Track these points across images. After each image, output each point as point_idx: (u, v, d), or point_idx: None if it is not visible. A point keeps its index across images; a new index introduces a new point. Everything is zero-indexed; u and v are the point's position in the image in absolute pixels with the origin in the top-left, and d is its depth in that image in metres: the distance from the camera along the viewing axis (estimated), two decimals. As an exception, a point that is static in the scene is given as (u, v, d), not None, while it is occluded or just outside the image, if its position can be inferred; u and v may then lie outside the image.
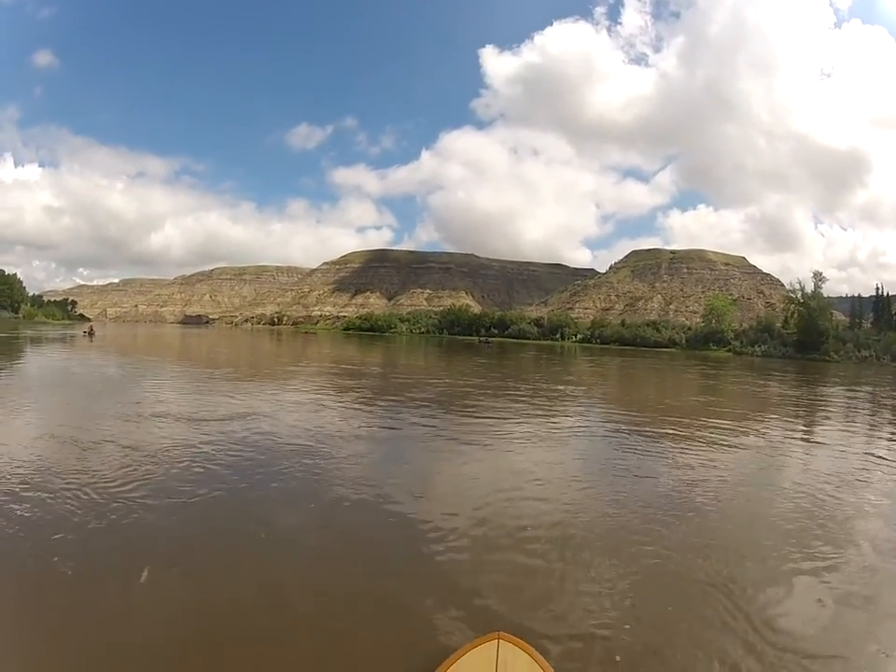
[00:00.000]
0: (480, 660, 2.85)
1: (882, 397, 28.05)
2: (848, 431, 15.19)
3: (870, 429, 16.28)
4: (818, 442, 12.99)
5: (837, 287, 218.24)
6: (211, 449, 8.85)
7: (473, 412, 14.63)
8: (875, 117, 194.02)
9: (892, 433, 15.51)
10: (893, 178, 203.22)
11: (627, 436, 12.44)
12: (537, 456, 9.93)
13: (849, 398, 26.26)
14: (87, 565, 4.79)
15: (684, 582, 5.12)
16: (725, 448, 11.47)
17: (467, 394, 18.98)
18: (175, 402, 13.59)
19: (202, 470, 7.66)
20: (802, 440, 13.25)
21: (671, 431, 13.08)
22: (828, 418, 18.09)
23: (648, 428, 13.53)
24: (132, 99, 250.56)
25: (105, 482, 6.87)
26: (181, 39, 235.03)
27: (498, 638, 2.98)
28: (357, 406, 14.92)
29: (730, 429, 13.62)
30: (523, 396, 19.00)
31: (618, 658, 3.88)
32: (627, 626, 4.28)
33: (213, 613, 4.24)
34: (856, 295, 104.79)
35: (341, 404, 15.19)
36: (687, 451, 10.92)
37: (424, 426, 12.19)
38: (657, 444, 11.59)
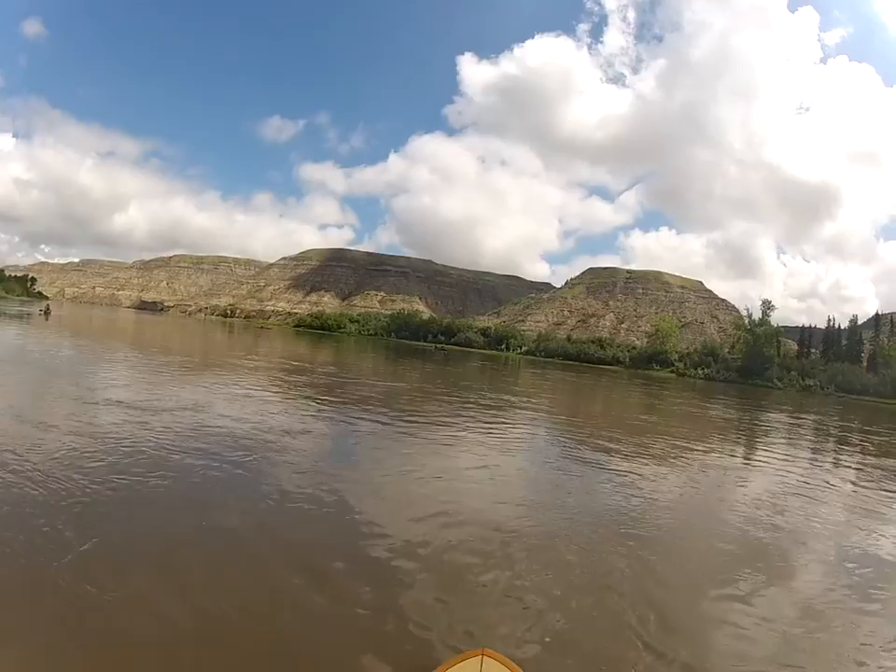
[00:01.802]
0: None
1: (807, 425, 28.49)
2: (763, 456, 15.32)
3: (786, 454, 16.26)
4: (740, 465, 13.40)
5: (796, 316, 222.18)
6: (159, 439, 8.75)
7: (415, 417, 14.62)
8: (851, 152, 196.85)
9: (803, 458, 15.99)
10: (863, 214, 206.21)
11: (565, 451, 12.79)
12: (477, 459, 10.34)
13: (773, 423, 26.84)
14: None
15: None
16: (650, 468, 11.52)
17: (412, 399, 19.15)
18: (125, 390, 13.36)
19: (146, 460, 7.56)
20: (712, 462, 13.36)
21: (592, 438, 13.37)
22: (738, 442, 18.56)
23: (577, 438, 14.11)
24: (112, 76, 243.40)
25: (50, 464, 6.84)
26: (168, 20, 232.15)
27: (482, 654, 2.91)
28: (304, 404, 14.91)
29: (644, 449, 13.87)
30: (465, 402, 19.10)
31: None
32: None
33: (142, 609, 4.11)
34: (811, 325, 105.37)
35: (287, 400, 15.31)
36: (604, 465, 11.20)
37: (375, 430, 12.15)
38: (587, 455, 12.04)
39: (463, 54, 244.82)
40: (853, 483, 12.45)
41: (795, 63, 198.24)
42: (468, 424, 14.13)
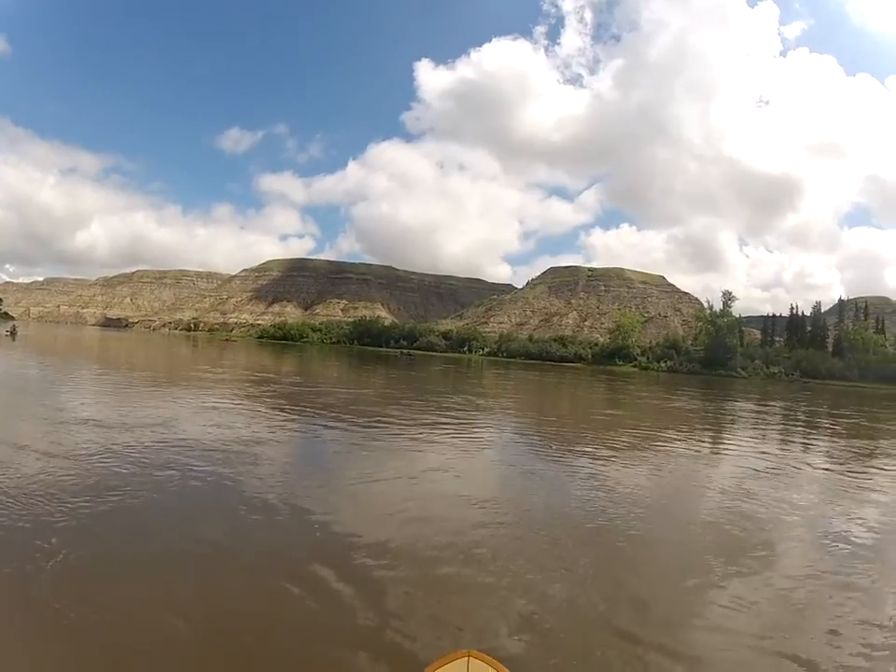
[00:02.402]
0: None
1: (773, 411, 28.60)
2: (728, 442, 15.43)
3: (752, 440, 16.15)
4: (709, 454, 13.44)
5: (760, 306, 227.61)
6: (132, 455, 8.69)
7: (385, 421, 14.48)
8: (813, 143, 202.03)
9: (772, 443, 15.96)
10: (826, 203, 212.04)
11: (531, 448, 12.87)
12: (447, 459, 10.38)
13: (740, 412, 26.94)
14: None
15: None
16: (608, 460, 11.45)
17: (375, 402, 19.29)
18: (94, 408, 13.20)
19: (121, 476, 7.51)
20: (680, 452, 13.20)
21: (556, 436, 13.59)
22: (705, 429, 18.85)
23: (543, 435, 14.45)
24: (73, 91, 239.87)
25: (26, 483, 6.81)
26: (128, 35, 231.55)
27: (468, 656, 2.90)
28: (271, 415, 14.66)
29: (611, 440, 13.86)
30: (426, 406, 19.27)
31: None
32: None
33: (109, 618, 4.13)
34: (775, 314, 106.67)
35: (255, 411, 15.09)
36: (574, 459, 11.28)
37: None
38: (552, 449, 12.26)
39: (420, 60, 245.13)
40: (823, 466, 12.35)
41: (754, 58, 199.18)
42: (434, 426, 14.04)
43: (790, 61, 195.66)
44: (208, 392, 18.28)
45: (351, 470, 9.12)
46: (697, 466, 11.69)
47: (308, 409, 15.78)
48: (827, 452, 14.87)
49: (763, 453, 13.40)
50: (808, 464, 12.38)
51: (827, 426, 22.24)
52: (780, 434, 19.36)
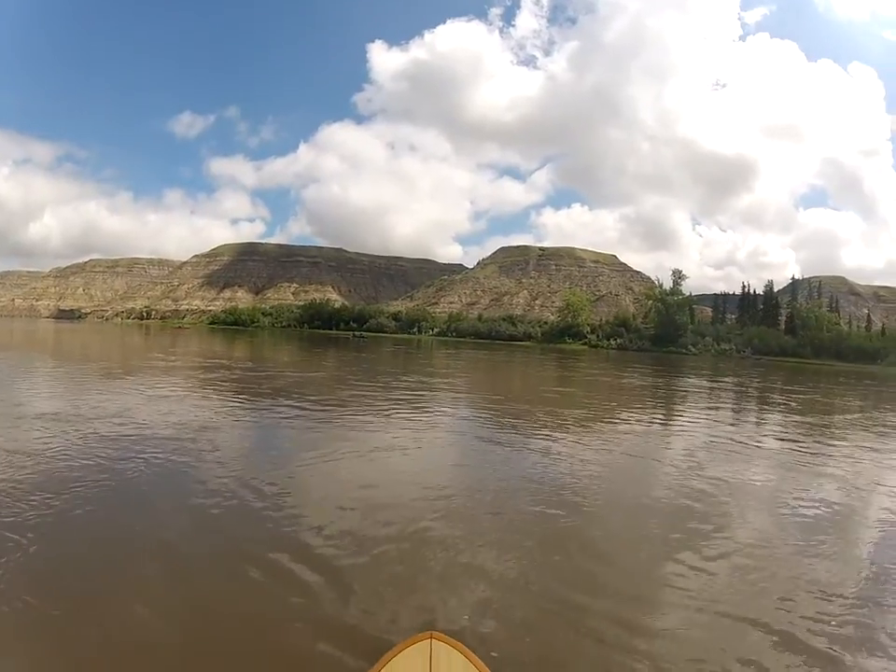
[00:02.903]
0: (413, 659, 2.76)
1: (726, 387, 29.17)
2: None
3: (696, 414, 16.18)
4: (661, 430, 13.23)
5: (713, 284, 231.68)
6: (88, 447, 8.41)
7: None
8: (770, 125, 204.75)
9: (725, 419, 16.11)
10: (782, 184, 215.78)
11: (484, 427, 12.57)
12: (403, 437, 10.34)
13: (691, 388, 27.15)
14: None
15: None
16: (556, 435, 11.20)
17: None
18: (47, 401, 12.93)
19: (79, 469, 7.23)
20: (632, 428, 13.05)
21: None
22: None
23: (495, 414, 14.38)
24: (24, 78, 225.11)
25: None
26: (78, 19, 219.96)
27: (431, 637, 2.85)
28: (224, 400, 14.47)
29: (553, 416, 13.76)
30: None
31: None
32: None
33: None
34: (729, 292, 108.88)
35: (208, 397, 14.88)
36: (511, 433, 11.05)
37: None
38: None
39: (374, 42, 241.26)
40: (777, 440, 12.24)
41: (712, 42, 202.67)
42: (386, 407, 14.01)
43: (749, 45, 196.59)
44: (161, 381, 17.96)
45: (305, 452, 9.04)
46: (648, 441, 11.65)
47: (260, 393, 15.75)
48: (781, 426, 14.85)
49: (716, 427, 13.37)
50: (762, 438, 12.33)
51: (781, 401, 22.21)
52: (733, 410, 19.34)
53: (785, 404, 20.85)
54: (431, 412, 13.75)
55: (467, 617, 4.11)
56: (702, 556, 5.33)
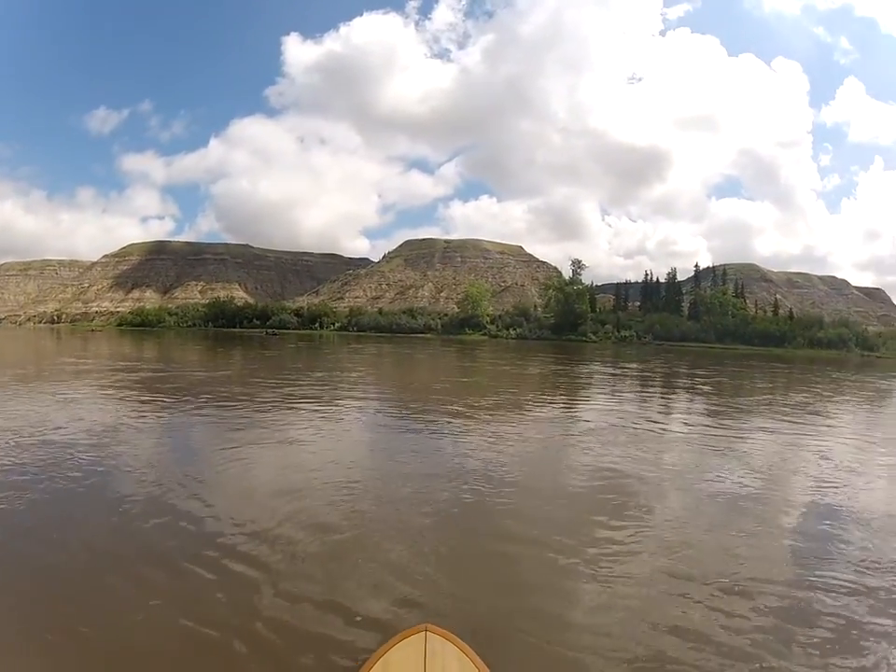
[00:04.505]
0: (408, 652, 2.81)
1: (630, 373, 30.24)
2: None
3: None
4: (568, 417, 13.46)
5: (623, 273, 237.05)
6: None
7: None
8: (684, 117, 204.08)
9: (632, 404, 16.57)
10: (694, 174, 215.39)
11: (392, 419, 12.78)
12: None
13: (593, 374, 27.99)
14: None
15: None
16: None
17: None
18: None
19: None
20: (539, 416, 13.53)
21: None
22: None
23: (400, 405, 14.47)
24: None
25: None
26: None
27: (426, 630, 2.90)
28: (133, 403, 14.15)
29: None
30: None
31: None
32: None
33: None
34: (637, 281, 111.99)
35: (116, 400, 14.60)
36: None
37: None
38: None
39: (289, 35, 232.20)
40: (687, 424, 12.75)
41: (631, 36, 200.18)
42: (294, 403, 14.11)
43: (668, 40, 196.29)
44: (70, 385, 17.48)
45: (221, 455, 8.68)
46: (554, 429, 11.87)
47: (170, 393, 15.56)
48: (687, 410, 15.65)
49: (627, 413, 13.75)
50: (670, 422, 12.93)
51: (685, 385, 23.18)
52: (641, 395, 20.02)
53: (691, 388, 21.77)
54: (340, 406, 13.92)
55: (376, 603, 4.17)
56: (627, 536, 5.52)
